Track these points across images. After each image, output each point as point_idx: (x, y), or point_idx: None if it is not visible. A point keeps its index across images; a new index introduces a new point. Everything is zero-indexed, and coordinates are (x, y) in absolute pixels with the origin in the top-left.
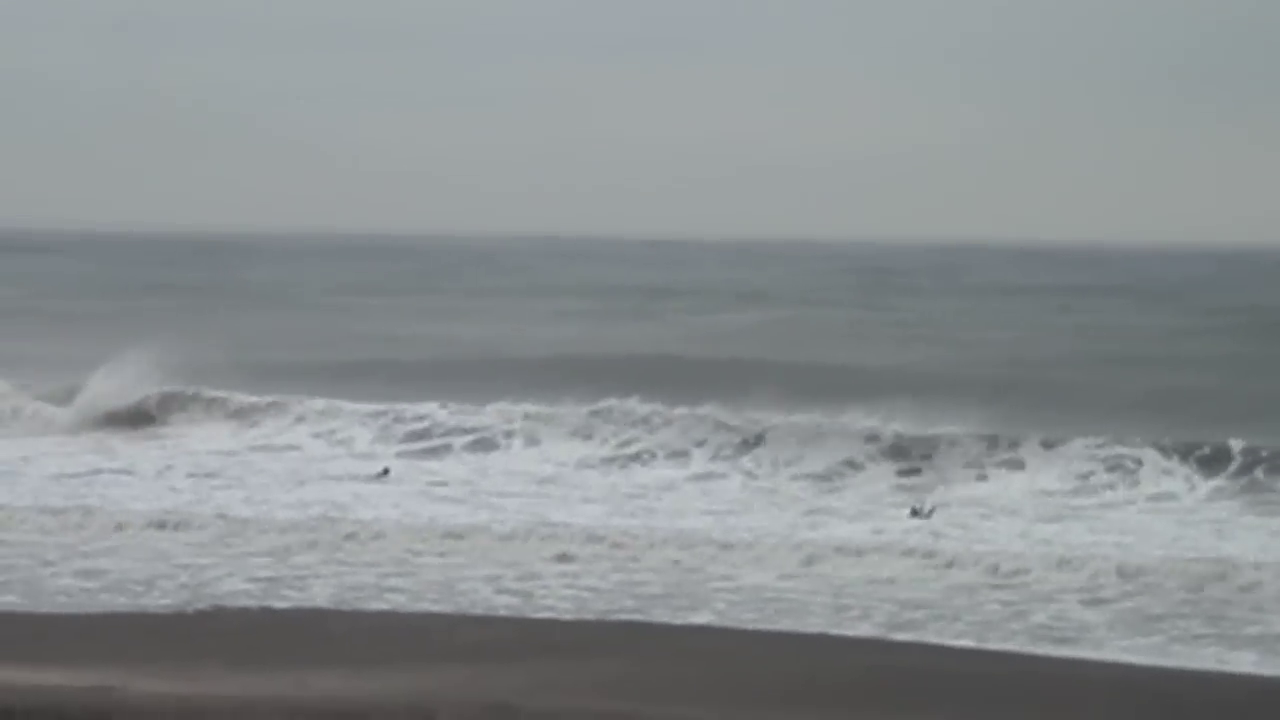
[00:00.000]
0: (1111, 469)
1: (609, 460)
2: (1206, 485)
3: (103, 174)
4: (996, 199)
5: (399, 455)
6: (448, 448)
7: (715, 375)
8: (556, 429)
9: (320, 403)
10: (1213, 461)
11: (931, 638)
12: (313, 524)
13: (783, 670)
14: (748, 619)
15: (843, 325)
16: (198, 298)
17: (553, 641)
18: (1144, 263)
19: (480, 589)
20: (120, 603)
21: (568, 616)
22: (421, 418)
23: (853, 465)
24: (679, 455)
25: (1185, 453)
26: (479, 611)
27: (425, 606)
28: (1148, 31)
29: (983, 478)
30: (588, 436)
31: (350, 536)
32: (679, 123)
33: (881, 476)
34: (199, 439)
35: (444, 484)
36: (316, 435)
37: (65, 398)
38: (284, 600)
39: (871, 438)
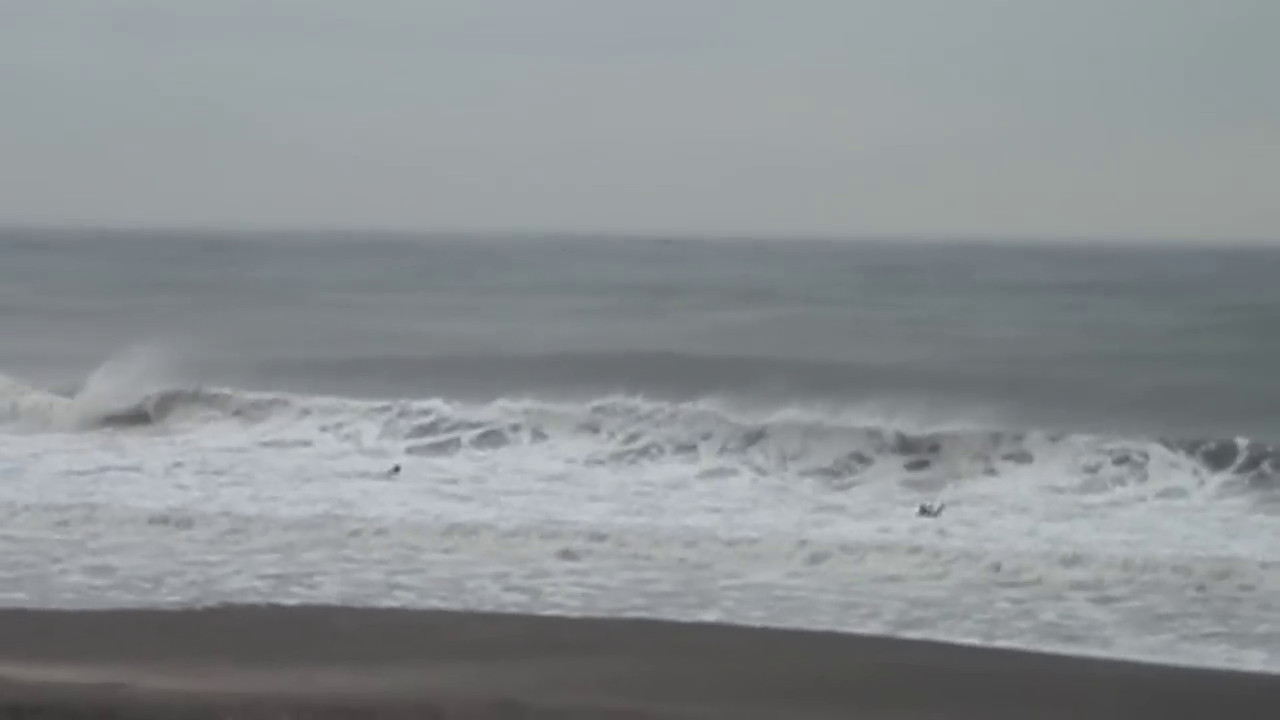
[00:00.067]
0: (1119, 461)
1: (617, 456)
2: (1215, 479)
3: (108, 171)
4: (1003, 197)
5: (408, 451)
6: (456, 443)
7: (721, 373)
8: (561, 426)
9: (326, 400)
10: (1219, 458)
11: (940, 636)
12: (321, 521)
13: (791, 668)
14: (756, 617)
15: (849, 323)
16: (204, 295)
17: (561, 639)
18: (1150, 260)
19: (488, 586)
20: (129, 600)
21: (576, 614)
22: (427, 412)
23: (861, 461)
24: (686, 449)
25: (1191, 448)
26: (487, 609)
27: (433, 604)
28: (1156, 31)
29: (991, 471)
30: (595, 430)
31: (358, 534)
32: (685, 119)
33: (890, 474)
34: (207, 436)
35: (453, 481)
36: (324, 429)
37: (72, 394)
38: (292, 597)
39: (879, 435)
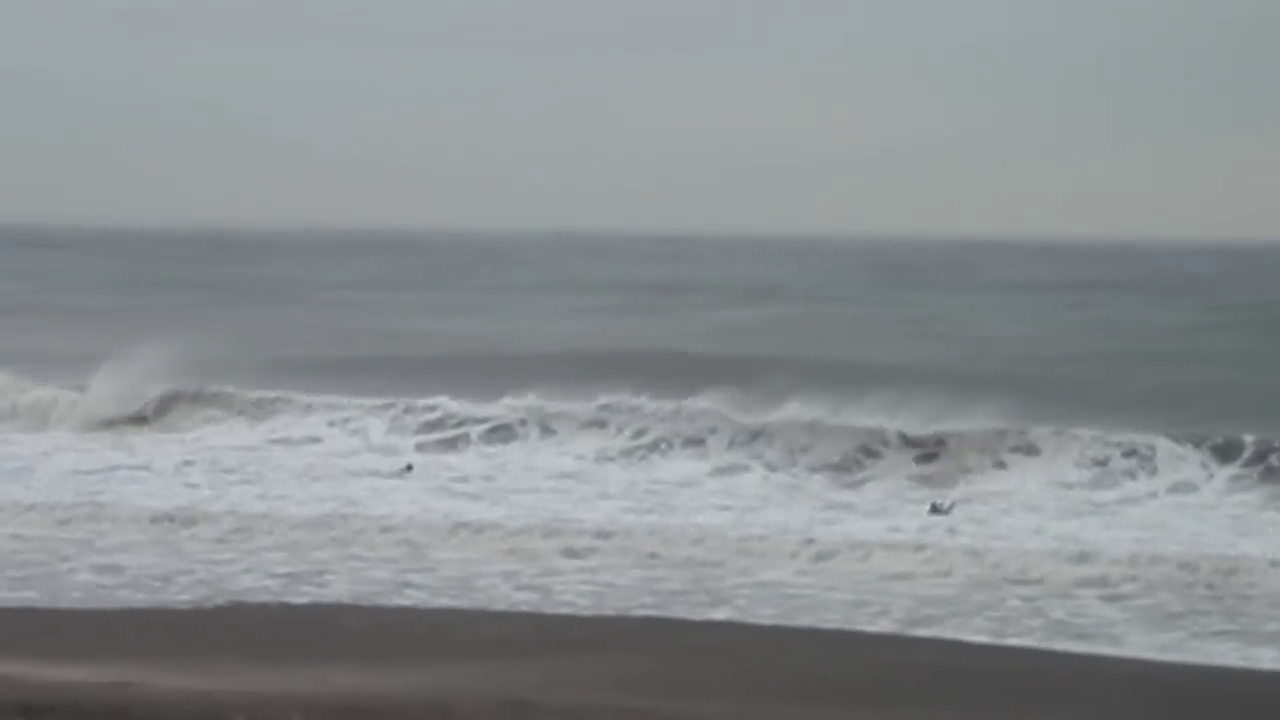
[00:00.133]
0: (1127, 455)
1: (628, 453)
2: (1224, 472)
3: (110, 170)
4: (1009, 195)
5: (418, 448)
6: (466, 439)
7: (725, 371)
8: (567, 424)
9: (330, 397)
10: (1226, 452)
11: (950, 634)
12: (330, 519)
13: (801, 666)
14: (766, 615)
15: (853, 321)
16: (207, 293)
17: (571, 637)
18: (1156, 258)
19: (498, 585)
20: (138, 598)
21: (586, 612)
22: (433, 408)
23: (870, 459)
24: (695, 444)
25: (1198, 442)
26: (497, 607)
27: (443, 602)
28: (1157, 30)
29: (1000, 464)
30: (602, 426)
31: (367, 532)
32: (687, 118)
33: (899, 471)
34: (216, 434)
35: (463, 479)
36: (332, 424)
37: (79, 393)
38: (302, 596)
39: (887, 433)
